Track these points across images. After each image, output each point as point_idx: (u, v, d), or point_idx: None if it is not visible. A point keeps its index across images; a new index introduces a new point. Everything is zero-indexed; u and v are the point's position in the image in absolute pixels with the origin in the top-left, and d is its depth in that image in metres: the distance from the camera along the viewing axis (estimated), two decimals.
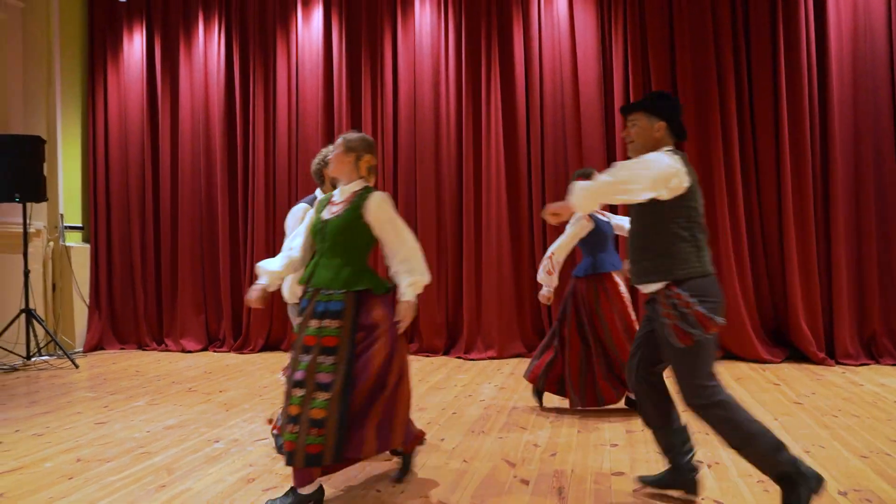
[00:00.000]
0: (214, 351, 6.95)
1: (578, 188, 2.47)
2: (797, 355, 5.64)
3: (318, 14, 6.75)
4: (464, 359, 6.15)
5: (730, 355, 5.70)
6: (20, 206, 6.24)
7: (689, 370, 2.42)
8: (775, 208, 5.75)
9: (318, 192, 3.48)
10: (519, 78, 6.29)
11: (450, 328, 6.46)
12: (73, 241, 7.28)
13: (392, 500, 2.70)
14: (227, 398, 4.74)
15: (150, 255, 7.26)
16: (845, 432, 3.51)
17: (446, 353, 6.36)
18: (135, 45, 7.31)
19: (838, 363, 5.42)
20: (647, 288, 2.56)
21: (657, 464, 3.07)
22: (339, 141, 2.78)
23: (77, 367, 6.11)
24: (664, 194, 2.43)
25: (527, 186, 6.28)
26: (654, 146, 2.60)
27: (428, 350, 6.36)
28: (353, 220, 2.65)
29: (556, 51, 6.17)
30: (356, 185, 2.75)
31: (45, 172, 6.56)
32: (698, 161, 5.79)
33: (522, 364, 5.84)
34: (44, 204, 6.85)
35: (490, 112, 6.30)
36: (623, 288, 4.05)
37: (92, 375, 5.73)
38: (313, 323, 2.57)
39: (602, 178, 2.45)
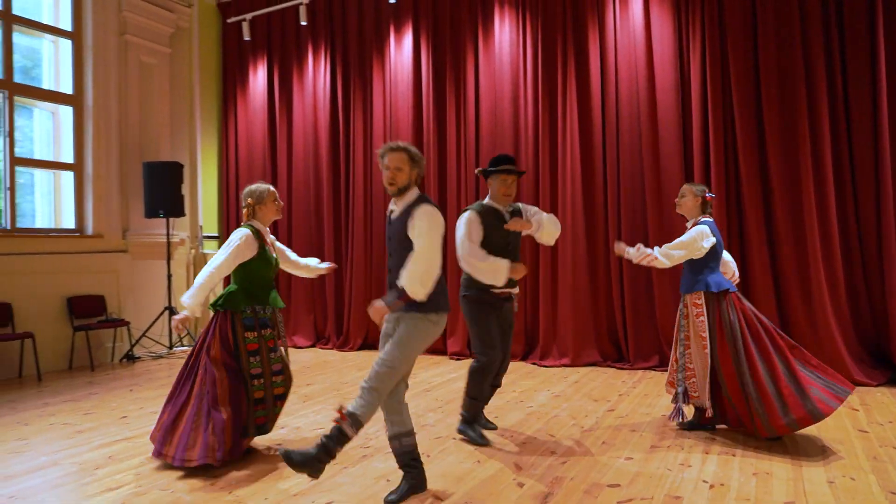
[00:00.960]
0: (321, 348, 7.74)
1: None
2: None
3: (408, 39, 7.26)
4: (538, 365, 6.31)
5: None
6: (164, 220, 7.43)
7: None
8: (873, 214, 5.27)
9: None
10: (594, 86, 6.32)
11: (528, 334, 6.65)
12: (210, 248, 8.48)
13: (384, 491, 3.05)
14: (310, 391, 5.37)
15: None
16: (893, 467, 3.26)
17: (524, 358, 6.55)
18: (259, 78, 8.33)
19: None
20: None
21: (663, 478, 3.13)
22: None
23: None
24: None
25: (602, 194, 6.29)
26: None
27: None
28: None
29: (632, 57, 6.12)
30: None
31: (186, 191, 7.81)
32: (785, 166, 5.47)
33: (593, 373, 5.90)
34: (186, 217, 8.07)
35: (566, 122, 6.40)
36: None
37: None
38: None
39: None
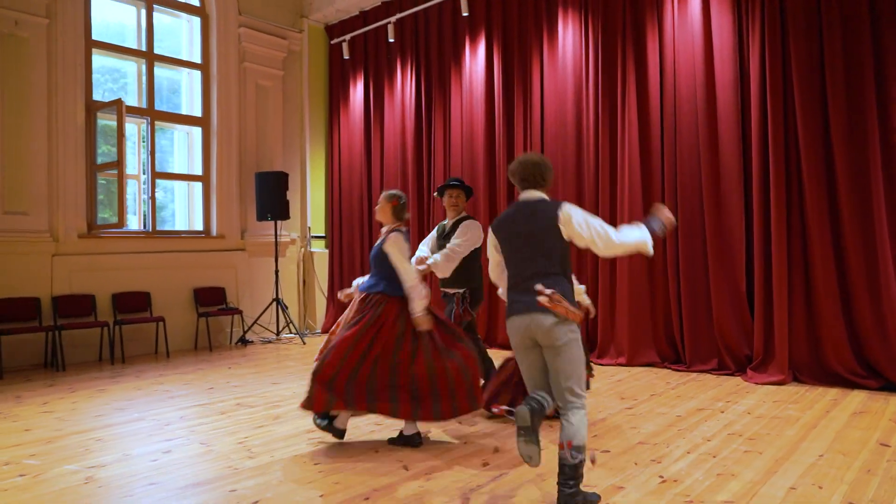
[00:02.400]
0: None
1: None
2: None
3: (481, 48, 7.63)
4: (595, 363, 6.39)
5: (890, 386, 4.88)
6: (273, 222, 8.51)
7: None
8: None
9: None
10: (653, 86, 6.24)
11: (588, 333, 6.72)
12: (318, 247, 9.50)
13: (384, 469, 3.51)
14: None
15: (367, 258, 9.03)
16: (879, 482, 3.09)
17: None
18: (357, 92, 9.18)
19: None
20: None
21: (617, 471, 3.28)
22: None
23: (304, 343, 8.13)
24: None
25: (660, 195, 6.20)
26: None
27: None
28: None
29: (691, 55, 5.96)
30: None
31: (296, 197, 8.90)
32: (852, 164, 5.08)
33: (644, 373, 5.89)
34: (297, 219, 9.14)
35: (625, 123, 6.39)
36: None
37: (311, 351, 7.58)
38: None
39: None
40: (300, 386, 5.49)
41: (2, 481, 3.30)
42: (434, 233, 4.83)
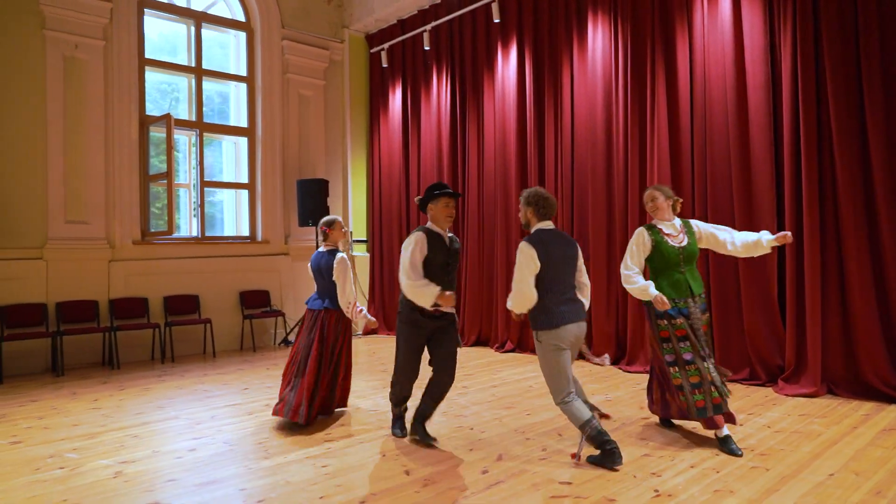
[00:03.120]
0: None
1: None
2: None
3: (513, 53, 7.67)
4: (623, 370, 6.34)
5: None
6: (314, 228, 8.82)
7: None
8: None
9: None
10: (683, 89, 6.12)
11: (619, 339, 6.67)
12: (360, 251, 9.77)
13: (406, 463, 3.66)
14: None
15: None
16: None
17: (616, 362, 6.60)
18: (396, 99, 9.38)
19: None
20: None
21: (614, 481, 3.29)
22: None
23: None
24: None
25: (690, 200, 6.07)
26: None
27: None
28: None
29: (721, 56, 5.81)
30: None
31: (338, 202, 9.20)
32: (890, 168, 4.85)
33: None
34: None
35: (655, 127, 6.30)
36: None
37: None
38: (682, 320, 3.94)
39: None
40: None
41: (43, 473, 3.63)
42: (425, 245, 3.81)
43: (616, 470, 3.47)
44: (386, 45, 9.28)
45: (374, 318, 4.71)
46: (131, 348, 7.39)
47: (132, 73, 7.64)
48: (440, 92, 8.70)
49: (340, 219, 4.88)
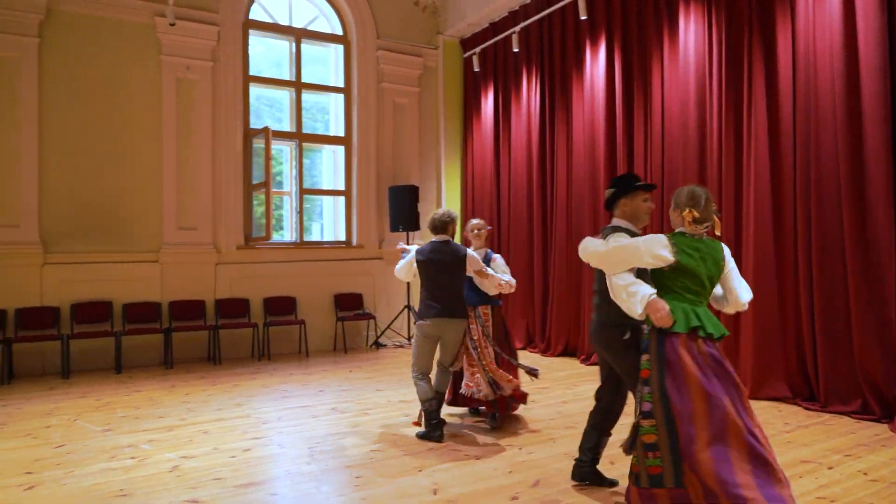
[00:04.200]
0: (529, 351, 8.32)
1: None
2: None
3: (602, 50, 7.29)
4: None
5: None
6: (405, 233, 8.97)
7: None
8: None
9: None
10: (784, 80, 5.47)
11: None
12: None
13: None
14: None
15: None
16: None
17: None
18: (488, 103, 9.30)
19: None
20: None
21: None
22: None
23: None
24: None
25: (792, 203, 5.42)
26: None
27: None
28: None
29: (829, 42, 5.11)
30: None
31: (431, 208, 9.29)
32: None
33: (764, 408, 5.20)
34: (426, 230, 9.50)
35: (752, 123, 5.69)
36: None
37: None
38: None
39: None
40: (399, 394, 5.79)
41: (114, 461, 3.99)
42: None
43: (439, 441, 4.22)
44: (478, 49, 9.23)
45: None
46: (233, 346, 7.96)
47: (237, 89, 8.23)
48: (530, 94, 8.50)
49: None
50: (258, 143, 8.30)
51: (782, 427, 4.66)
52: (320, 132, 9.31)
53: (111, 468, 3.87)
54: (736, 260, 5.76)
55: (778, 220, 5.55)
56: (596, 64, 7.41)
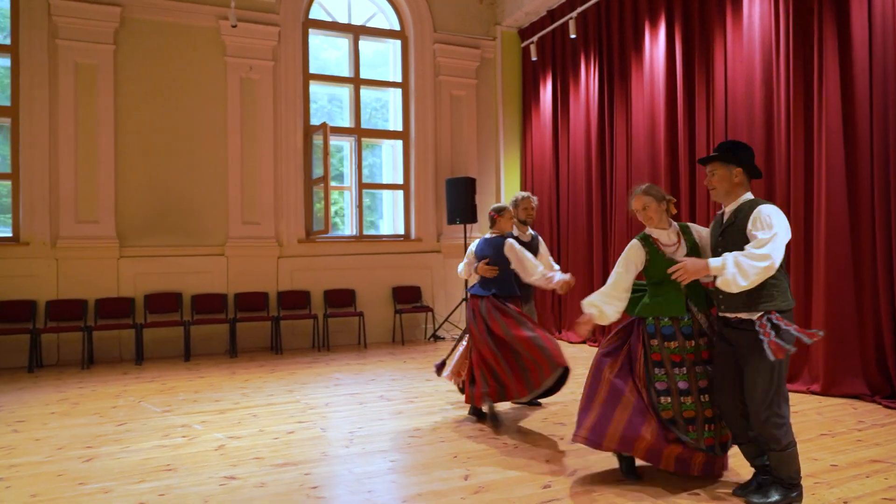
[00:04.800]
0: (590, 344, 8.08)
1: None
2: None
3: (662, 32, 6.98)
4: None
5: None
6: (462, 226, 8.94)
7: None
8: None
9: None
10: (860, 56, 5.03)
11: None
12: None
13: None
14: None
15: (554, 257, 8.92)
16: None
17: None
18: (547, 92, 9.11)
19: None
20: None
21: None
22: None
23: None
24: None
25: (869, 187, 4.97)
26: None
27: None
28: None
29: None
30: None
31: (491, 200, 9.24)
32: None
33: (837, 406, 4.82)
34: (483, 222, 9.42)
35: (824, 103, 5.26)
36: None
37: None
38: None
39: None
40: (448, 384, 5.76)
41: (166, 439, 4.18)
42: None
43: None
44: (535, 38, 9.07)
45: (569, 276, 4.45)
46: (294, 336, 8.20)
47: (297, 87, 8.46)
48: (588, 80, 8.26)
49: (511, 208, 4.75)
50: (317, 140, 8.50)
51: (854, 424, 4.30)
52: (381, 128, 9.43)
53: (163, 445, 4.06)
54: (806, 248, 5.39)
55: (853, 205, 5.11)
56: (656, 45, 7.10)
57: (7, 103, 7.28)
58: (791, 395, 5.06)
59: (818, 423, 4.35)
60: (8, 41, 7.30)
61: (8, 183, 7.31)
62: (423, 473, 3.48)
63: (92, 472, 3.56)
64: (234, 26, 7.56)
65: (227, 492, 3.25)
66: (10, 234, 7.27)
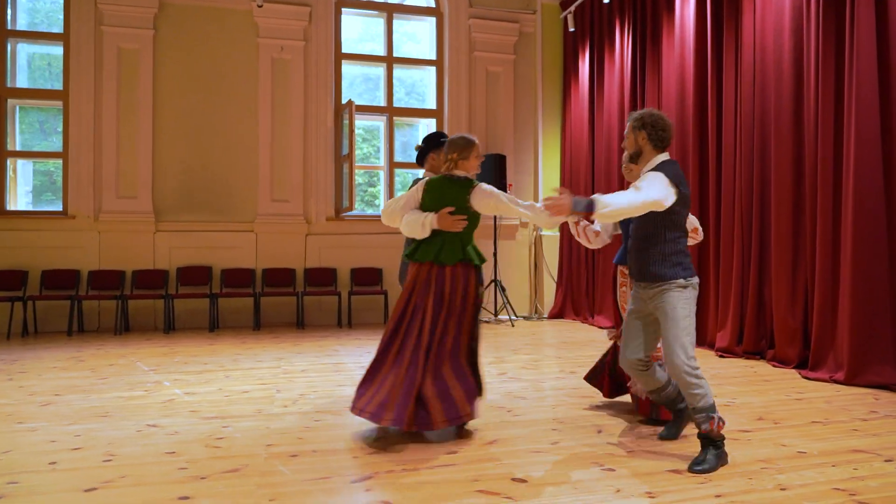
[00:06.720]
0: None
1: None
2: None
3: None
4: (803, 376, 4.76)
5: None
6: None
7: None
8: None
9: None
10: (894, 10, 4.29)
11: (806, 336, 5.04)
12: (548, 231, 9.26)
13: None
14: (530, 359, 5.68)
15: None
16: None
17: (799, 366, 5.00)
18: (585, 64, 8.63)
19: None
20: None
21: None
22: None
23: (513, 326, 8.09)
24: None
25: None
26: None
27: (780, 360, 5.17)
28: None
29: None
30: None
31: (529, 177, 8.96)
32: None
33: (856, 396, 4.18)
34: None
35: (855, 63, 4.55)
36: None
37: (519, 333, 7.54)
38: None
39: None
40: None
41: (128, 391, 4.30)
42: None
43: None
44: (572, 8, 8.61)
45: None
46: (319, 313, 8.29)
47: (328, 66, 8.54)
48: (623, 48, 7.74)
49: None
50: (346, 119, 8.53)
51: (864, 413, 3.71)
52: (416, 107, 9.34)
53: (120, 396, 4.19)
54: (833, 217, 4.71)
55: (888, 170, 4.40)
56: (686, 6, 6.49)
57: (60, 87, 7.88)
58: (810, 384, 4.48)
59: (819, 411, 3.77)
60: (61, 30, 7.89)
61: (59, 161, 7.91)
62: (337, 434, 3.33)
63: (38, 414, 3.72)
64: (260, 6, 7.72)
65: (138, 437, 3.28)
66: (60, 208, 7.86)
